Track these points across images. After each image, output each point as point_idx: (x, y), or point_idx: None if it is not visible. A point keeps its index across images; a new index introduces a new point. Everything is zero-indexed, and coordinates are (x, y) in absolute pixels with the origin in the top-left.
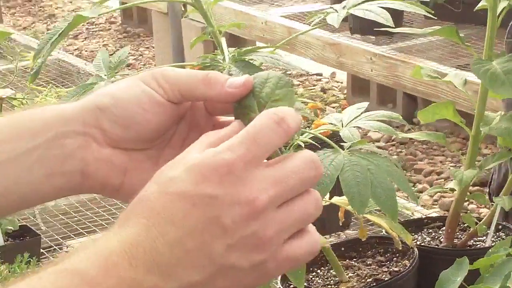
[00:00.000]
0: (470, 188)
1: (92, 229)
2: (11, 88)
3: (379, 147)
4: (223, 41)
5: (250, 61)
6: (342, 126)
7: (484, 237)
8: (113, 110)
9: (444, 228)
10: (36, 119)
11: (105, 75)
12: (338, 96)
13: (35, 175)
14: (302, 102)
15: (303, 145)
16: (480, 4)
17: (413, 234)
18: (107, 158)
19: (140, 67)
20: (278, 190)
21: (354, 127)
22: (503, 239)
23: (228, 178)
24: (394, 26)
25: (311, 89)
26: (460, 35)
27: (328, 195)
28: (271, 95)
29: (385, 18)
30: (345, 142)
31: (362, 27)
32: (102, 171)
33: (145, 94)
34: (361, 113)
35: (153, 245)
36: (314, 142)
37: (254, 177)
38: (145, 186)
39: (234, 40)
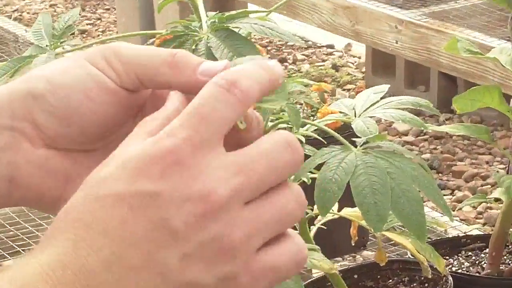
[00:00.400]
0: None
1: (31, 246)
2: None
3: (407, 143)
4: (200, 2)
5: (234, 29)
6: (355, 116)
7: None
8: (50, 98)
9: (487, 250)
10: None
11: (47, 45)
12: (354, 75)
13: None
14: (304, 85)
15: (303, 140)
16: None
17: (446, 258)
18: (42, 161)
19: (98, 35)
20: (242, 180)
21: (370, 117)
22: None
23: (172, 170)
24: None
25: (320, 66)
26: None
27: (336, 206)
28: None
29: None
30: (358, 137)
31: None
32: (35, 178)
33: (92, 78)
34: (380, 99)
35: (85, 264)
36: (318, 137)
37: (208, 165)
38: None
39: (220, 3)
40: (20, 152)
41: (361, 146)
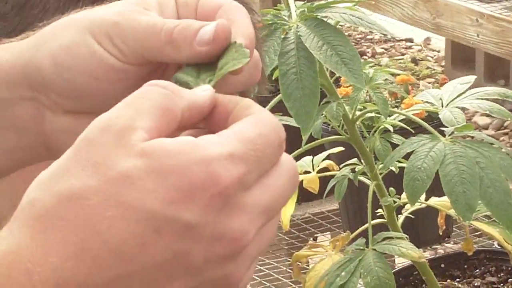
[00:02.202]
0: None
1: None
2: None
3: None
4: None
5: (323, 19)
6: (442, 106)
7: None
8: (56, 80)
9: None
10: None
11: None
12: (433, 69)
13: None
14: (390, 74)
15: (391, 129)
16: None
17: None
18: (68, 127)
19: None
20: (265, 219)
21: (458, 107)
22: None
23: (215, 202)
24: None
25: (399, 59)
26: None
27: (424, 195)
28: (216, 64)
29: None
30: (445, 127)
31: None
32: (67, 143)
33: (96, 59)
34: (466, 90)
35: (82, 284)
36: (405, 126)
37: (244, 203)
38: (67, 170)
39: None
40: (45, 122)
41: (449, 135)
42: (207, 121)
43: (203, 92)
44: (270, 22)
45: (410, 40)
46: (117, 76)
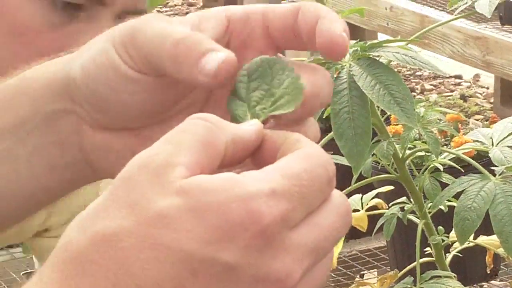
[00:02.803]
0: None
1: None
2: None
3: None
4: None
5: (376, 58)
6: (492, 145)
7: None
8: (83, 89)
9: None
10: (21, 95)
11: None
12: (482, 106)
13: (35, 169)
14: (440, 112)
15: (441, 168)
16: None
17: None
18: (104, 144)
19: None
20: (314, 260)
21: (508, 146)
22: None
23: (257, 242)
24: None
25: (448, 96)
26: None
27: (472, 235)
28: (269, 99)
29: None
30: (496, 166)
31: None
32: (105, 160)
33: (111, 67)
34: None
35: None
36: (455, 165)
37: (290, 243)
38: (104, 210)
39: (350, 30)
40: (85, 137)
41: (499, 175)
42: (254, 158)
43: (249, 127)
44: (323, 61)
45: (459, 77)
46: (133, 87)
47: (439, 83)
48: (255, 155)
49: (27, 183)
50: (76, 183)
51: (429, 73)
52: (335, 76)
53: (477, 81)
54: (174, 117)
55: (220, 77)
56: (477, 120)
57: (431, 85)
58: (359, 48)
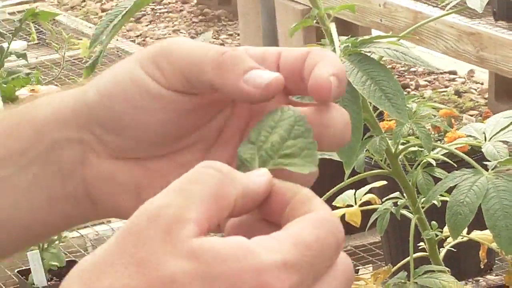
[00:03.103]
0: None
1: None
2: (56, 85)
3: None
4: (333, 27)
5: (367, 54)
6: (485, 140)
7: None
8: (98, 109)
9: None
10: (26, 122)
11: None
12: (477, 101)
13: (35, 200)
14: (433, 108)
15: (434, 163)
16: None
17: None
18: (109, 174)
19: None
20: None
21: (501, 141)
22: None
23: None
24: None
25: (442, 92)
26: None
27: (466, 229)
28: (279, 146)
29: None
30: (488, 161)
31: (510, 12)
32: (107, 193)
33: (135, 85)
34: (510, 124)
35: None
36: (448, 160)
37: None
38: (110, 265)
39: (343, 27)
40: (89, 167)
41: (492, 170)
42: (262, 209)
43: (258, 178)
44: None
45: (454, 73)
46: (158, 105)
47: (434, 79)
48: (263, 206)
49: (26, 215)
50: (74, 219)
51: (424, 69)
52: None
53: (472, 76)
54: (183, 152)
55: (270, 91)
56: (471, 115)
57: (425, 81)
58: (350, 44)
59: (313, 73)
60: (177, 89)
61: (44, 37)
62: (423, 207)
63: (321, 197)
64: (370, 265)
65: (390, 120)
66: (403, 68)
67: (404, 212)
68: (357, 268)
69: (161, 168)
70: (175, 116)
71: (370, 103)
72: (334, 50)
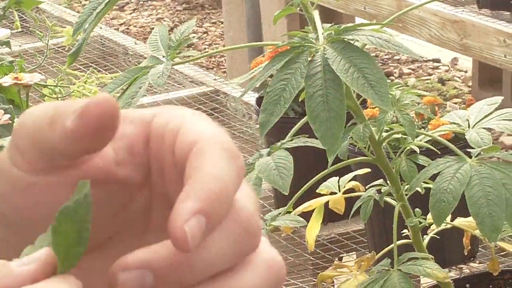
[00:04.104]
0: None
1: None
2: (40, 73)
3: None
4: (316, 14)
5: (350, 42)
6: (469, 127)
7: None
8: None
9: None
10: None
11: (163, 56)
12: (460, 89)
13: None
14: (417, 95)
15: (418, 151)
16: None
17: None
18: None
19: (205, 48)
20: None
21: (484, 128)
22: None
23: None
24: None
25: (426, 80)
26: None
27: (449, 216)
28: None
29: None
30: (472, 148)
31: (494, 0)
32: None
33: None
34: (494, 111)
35: None
36: (431, 147)
37: None
38: None
39: (327, 15)
40: None
41: (475, 157)
42: None
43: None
44: (297, 44)
45: (437, 61)
46: (26, 196)
47: (417, 67)
48: None
49: None
50: None
51: (407, 57)
52: (309, 59)
53: (455, 64)
54: (113, 243)
55: (85, 119)
56: (455, 103)
57: (409, 69)
58: (333, 32)
59: (170, 217)
60: (41, 168)
61: (27, 25)
62: (406, 195)
63: (304, 184)
64: (354, 252)
65: (373, 108)
66: (386, 56)
67: (388, 199)
68: (340, 255)
69: (94, 266)
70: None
71: (354, 90)
72: (317, 38)
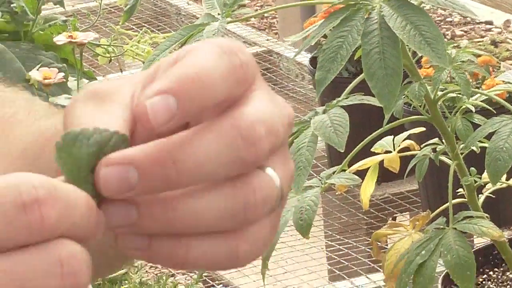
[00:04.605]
0: None
1: None
2: (93, 32)
3: None
4: None
5: None
6: None
7: None
8: None
9: None
10: None
11: (218, 14)
12: None
13: None
14: (472, 54)
15: (473, 110)
16: None
17: None
18: None
19: (256, 10)
20: None
21: None
22: None
23: None
24: None
25: (479, 42)
26: None
27: (504, 176)
28: None
29: None
30: None
31: None
32: None
33: None
34: None
35: None
36: (487, 106)
37: None
38: None
39: None
40: None
41: None
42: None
43: None
44: (353, 2)
45: (490, 23)
46: None
47: (470, 29)
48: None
49: None
50: None
51: (460, 19)
52: (365, 17)
53: (508, 26)
54: None
55: None
56: (510, 65)
57: (461, 31)
58: None
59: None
60: None
61: None
62: (462, 153)
63: (358, 143)
64: (408, 212)
65: (427, 68)
66: (439, 18)
67: (443, 158)
68: (394, 215)
69: None
70: None
71: (409, 49)
72: None
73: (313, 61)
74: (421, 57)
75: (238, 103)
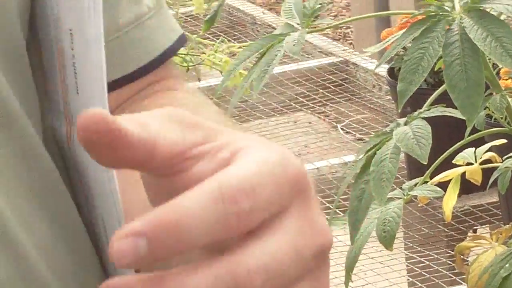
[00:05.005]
0: None
1: None
2: None
3: None
4: None
5: (487, 10)
6: None
7: None
8: None
9: None
10: None
11: (298, 24)
12: None
13: None
14: None
15: None
16: None
17: None
18: None
19: (331, 19)
20: None
21: None
22: None
23: None
24: None
25: None
26: None
27: None
28: None
29: None
30: None
31: None
32: None
33: None
34: None
35: None
36: None
37: None
38: None
39: None
40: None
41: None
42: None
43: None
44: (434, 13)
45: None
46: None
47: None
48: None
49: None
50: None
51: None
52: (446, 28)
53: None
54: None
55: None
56: None
57: None
58: (469, 1)
59: None
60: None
61: None
62: None
63: (438, 156)
64: (488, 225)
65: (506, 79)
66: None
67: None
68: (475, 227)
69: None
70: None
71: (490, 60)
72: (453, 7)
73: (391, 71)
74: (500, 68)
75: (253, 235)
